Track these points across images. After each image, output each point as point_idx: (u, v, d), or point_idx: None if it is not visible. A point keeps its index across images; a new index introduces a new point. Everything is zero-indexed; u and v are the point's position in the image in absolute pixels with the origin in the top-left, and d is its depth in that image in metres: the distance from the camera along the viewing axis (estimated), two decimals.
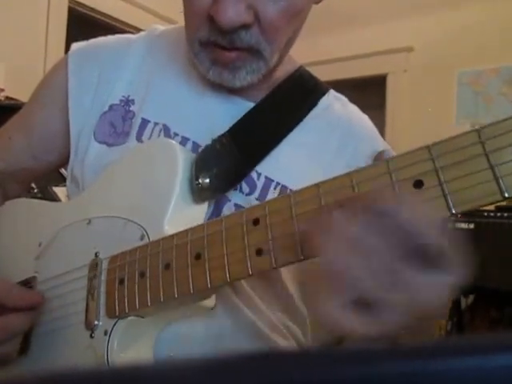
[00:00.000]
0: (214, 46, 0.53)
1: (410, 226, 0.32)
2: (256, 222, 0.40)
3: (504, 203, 2.36)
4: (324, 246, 0.33)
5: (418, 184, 0.34)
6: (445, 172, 0.33)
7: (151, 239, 0.48)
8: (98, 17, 2.63)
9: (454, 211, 0.33)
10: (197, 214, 0.52)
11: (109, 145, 0.61)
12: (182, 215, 0.50)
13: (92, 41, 0.68)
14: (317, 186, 0.38)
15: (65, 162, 0.69)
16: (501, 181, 0.31)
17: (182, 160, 0.51)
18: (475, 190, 0.32)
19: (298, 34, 0.59)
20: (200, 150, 0.56)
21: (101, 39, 0.69)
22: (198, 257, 0.42)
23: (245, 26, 0.51)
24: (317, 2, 0.58)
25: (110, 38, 0.69)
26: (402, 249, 0.32)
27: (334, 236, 0.33)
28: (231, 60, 0.53)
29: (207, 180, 0.51)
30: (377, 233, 0.32)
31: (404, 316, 0.32)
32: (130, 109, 0.62)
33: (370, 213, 0.32)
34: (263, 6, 0.50)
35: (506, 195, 0.31)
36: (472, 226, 2.28)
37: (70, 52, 0.67)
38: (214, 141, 0.55)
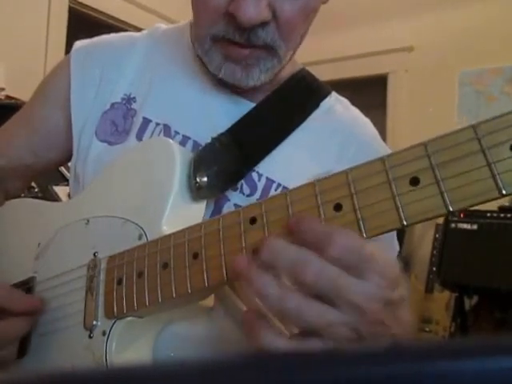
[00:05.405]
0: (227, 42, 0.52)
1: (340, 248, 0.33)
2: (253, 220, 0.40)
3: (507, 204, 2.36)
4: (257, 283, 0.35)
5: (415, 181, 0.34)
6: (441, 169, 0.33)
7: (149, 239, 0.48)
8: (99, 16, 2.64)
9: (451, 209, 0.32)
10: (195, 213, 0.51)
11: (110, 143, 0.61)
12: (180, 214, 0.50)
13: (95, 39, 0.69)
14: (313, 184, 0.38)
15: (65, 159, 0.69)
16: (498, 178, 0.31)
17: (179, 159, 0.51)
18: (472, 187, 0.32)
19: (306, 34, 0.59)
20: (199, 148, 0.56)
21: (104, 37, 0.69)
22: (195, 256, 0.42)
23: (262, 24, 0.51)
24: (324, 2, 0.58)
25: (113, 36, 0.69)
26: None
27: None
28: (244, 57, 0.53)
29: (205, 179, 0.51)
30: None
31: (351, 327, 0.34)
32: (132, 107, 0.62)
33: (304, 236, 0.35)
34: (281, 4, 0.50)
35: (504, 192, 0.31)
36: (475, 226, 2.28)
37: (72, 50, 0.67)
38: (214, 139, 0.55)
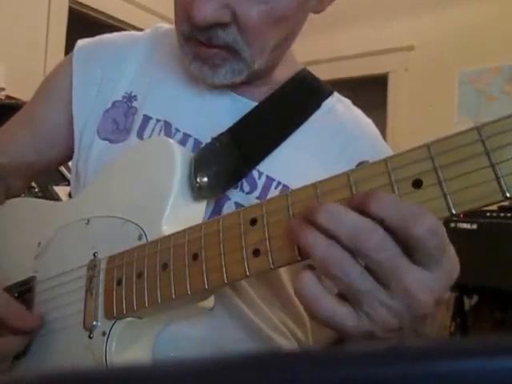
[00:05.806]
0: (195, 41, 0.53)
1: (402, 222, 0.31)
2: (253, 221, 0.40)
3: (507, 203, 2.35)
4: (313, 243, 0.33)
5: (417, 183, 0.33)
6: (444, 171, 0.32)
7: (149, 239, 0.48)
8: (99, 16, 2.65)
9: (454, 211, 0.32)
10: (195, 213, 0.51)
11: (111, 141, 0.61)
12: (181, 215, 0.50)
13: (97, 38, 0.69)
14: (314, 185, 0.37)
15: (67, 157, 0.70)
16: (502, 180, 0.31)
17: (179, 159, 0.51)
18: (476, 189, 0.32)
19: (292, 41, 0.59)
20: (199, 148, 0.56)
21: (105, 36, 0.69)
22: (195, 257, 0.42)
23: (221, 25, 0.51)
24: (317, 12, 0.58)
25: (115, 35, 0.70)
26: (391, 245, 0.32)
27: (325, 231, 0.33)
28: (210, 56, 0.53)
29: (205, 179, 0.51)
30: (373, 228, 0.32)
31: (395, 314, 0.32)
32: (133, 105, 0.62)
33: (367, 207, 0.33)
34: (242, 7, 0.50)
35: (508, 195, 0.31)
36: (475, 226, 2.28)
37: (75, 48, 0.68)
38: (214, 139, 0.55)
